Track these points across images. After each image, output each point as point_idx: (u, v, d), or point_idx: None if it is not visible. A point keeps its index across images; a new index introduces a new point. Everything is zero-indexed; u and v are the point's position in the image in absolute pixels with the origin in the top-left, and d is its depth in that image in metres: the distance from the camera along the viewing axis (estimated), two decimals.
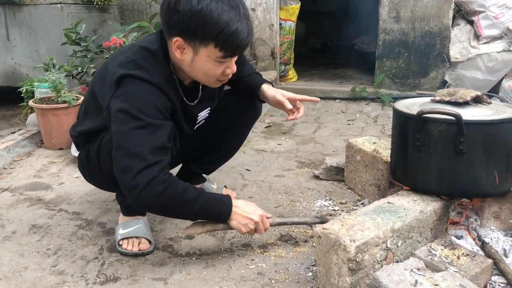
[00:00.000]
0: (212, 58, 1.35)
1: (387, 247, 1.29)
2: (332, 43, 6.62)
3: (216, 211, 1.46)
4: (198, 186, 1.98)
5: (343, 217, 1.35)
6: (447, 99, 1.51)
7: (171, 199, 1.35)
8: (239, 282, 1.44)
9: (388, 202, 1.46)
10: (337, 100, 3.96)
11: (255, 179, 2.28)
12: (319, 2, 6.69)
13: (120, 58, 1.43)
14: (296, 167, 2.45)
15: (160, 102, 1.38)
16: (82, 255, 1.60)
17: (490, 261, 1.31)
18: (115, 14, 4.04)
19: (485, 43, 3.45)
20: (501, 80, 3.38)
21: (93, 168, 1.61)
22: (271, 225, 1.57)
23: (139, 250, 1.59)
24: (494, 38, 3.42)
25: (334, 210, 1.91)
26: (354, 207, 1.93)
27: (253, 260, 1.56)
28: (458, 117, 1.34)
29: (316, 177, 2.27)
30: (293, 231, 1.74)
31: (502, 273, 1.32)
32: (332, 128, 3.23)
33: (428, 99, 1.63)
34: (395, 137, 1.60)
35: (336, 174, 2.23)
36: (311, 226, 1.77)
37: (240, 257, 1.58)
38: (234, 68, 1.44)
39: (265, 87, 1.72)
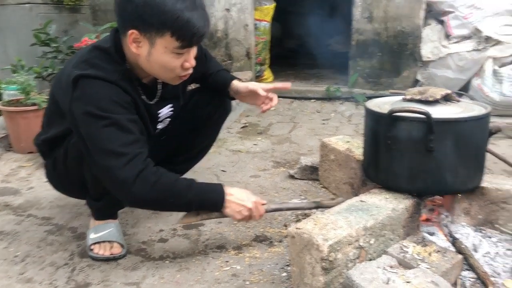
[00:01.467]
0: (170, 49, 1.32)
1: (360, 245, 1.29)
2: (307, 43, 6.65)
3: (210, 200, 1.44)
4: None
5: (316, 216, 1.35)
6: (417, 97, 1.53)
7: (164, 190, 1.33)
8: (213, 285, 1.42)
9: (360, 201, 1.47)
10: (312, 100, 3.98)
11: (230, 180, 2.27)
12: (294, 2, 6.71)
13: (74, 59, 1.41)
14: (272, 167, 2.45)
15: (120, 97, 1.34)
16: (52, 261, 1.56)
17: (460, 257, 1.33)
18: (87, 15, 3.97)
19: (455, 42, 3.51)
20: (471, 79, 3.45)
21: (61, 175, 1.57)
22: (266, 212, 1.55)
23: (111, 254, 1.56)
24: (464, 38, 3.49)
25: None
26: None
27: (227, 261, 1.54)
28: (428, 115, 1.36)
29: (291, 176, 2.27)
30: (267, 232, 1.74)
31: (471, 268, 1.34)
32: (307, 127, 3.24)
33: (400, 98, 1.64)
34: (367, 136, 1.61)
35: (311, 173, 2.23)
36: (286, 226, 1.77)
37: (214, 259, 1.56)
38: (192, 61, 1.41)
39: (236, 82, 1.73)
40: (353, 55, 3.95)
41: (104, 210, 1.62)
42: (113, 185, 1.33)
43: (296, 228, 1.29)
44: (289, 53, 6.52)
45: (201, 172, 2.33)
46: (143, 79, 1.47)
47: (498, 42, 3.25)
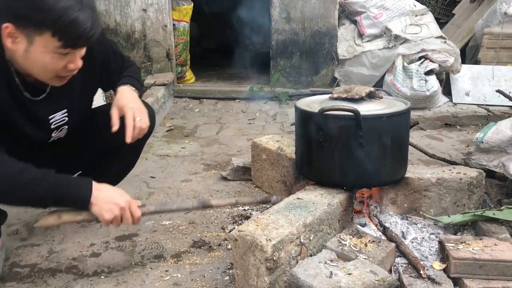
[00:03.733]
0: (50, 49, 1.19)
1: (301, 242, 1.32)
2: (225, 43, 6.66)
3: (71, 195, 1.27)
4: None
5: (257, 217, 1.36)
6: (344, 96, 1.60)
7: (4, 180, 1.19)
8: None
9: (297, 198, 1.50)
10: (236, 100, 4.00)
11: (161, 186, 2.21)
12: (211, 2, 6.68)
13: None
14: (203, 170, 2.42)
15: None
16: None
17: (393, 244, 1.41)
18: None
19: (368, 41, 3.72)
20: (383, 75, 3.68)
21: None
22: (144, 214, 1.41)
23: None
24: (375, 37, 3.71)
25: (244, 210, 1.92)
26: (263, 205, 1.96)
27: (167, 271, 1.50)
28: (356, 112, 1.42)
29: (224, 178, 2.26)
30: (205, 236, 1.71)
31: (403, 254, 1.43)
32: (234, 128, 3.24)
33: (327, 96, 1.71)
34: (299, 135, 1.65)
35: (243, 173, 2.24)
36: (224, 229, 1.76)
37: (153, 269, 1.51)
38: (79, 63, 1.28)
39: (120, 89, 1.53)
40: (273, 55, 4.03)
41: None
42: None
43: (239, 231, 1.28)
44: (207, 53, 6.48)
45: (129, 179, 2.23)
46: (27, 76, 1.31)
47: (405, 40, 3.50)
